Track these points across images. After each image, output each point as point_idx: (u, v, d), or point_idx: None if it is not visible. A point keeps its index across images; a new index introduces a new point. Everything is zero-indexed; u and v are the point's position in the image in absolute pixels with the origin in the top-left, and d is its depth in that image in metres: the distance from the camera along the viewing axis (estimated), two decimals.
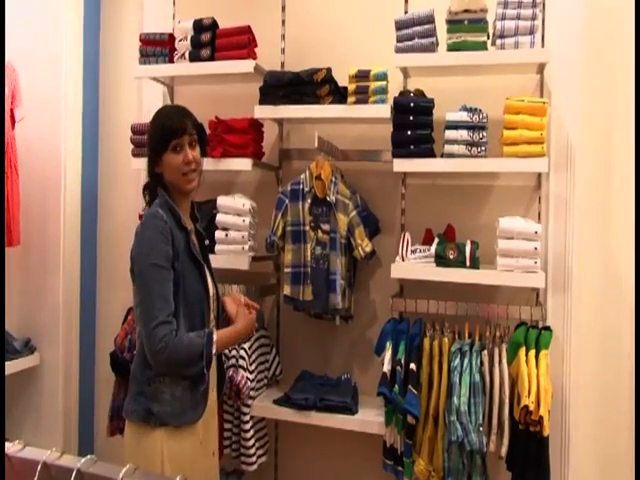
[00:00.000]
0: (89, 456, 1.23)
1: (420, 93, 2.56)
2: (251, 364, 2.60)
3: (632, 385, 2.53)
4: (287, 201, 2.64)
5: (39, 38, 2.99)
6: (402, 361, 2.42)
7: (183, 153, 1.88)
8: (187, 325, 1.81)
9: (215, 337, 1.78)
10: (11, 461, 1.27)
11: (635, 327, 2.33)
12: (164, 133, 1.88)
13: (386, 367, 2.42)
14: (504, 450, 2.29)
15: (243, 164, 2.67)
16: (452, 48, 2.44)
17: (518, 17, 2.37)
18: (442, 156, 2.47)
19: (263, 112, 2.67)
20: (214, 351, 1.78)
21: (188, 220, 1.97)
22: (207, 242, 2.06)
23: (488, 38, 2.45)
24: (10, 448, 1.29)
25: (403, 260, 2.52)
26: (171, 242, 1.80)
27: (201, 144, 1.99)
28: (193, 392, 1.83)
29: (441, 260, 2.44)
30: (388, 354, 2.45)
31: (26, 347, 2.97)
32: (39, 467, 1.22)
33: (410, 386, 2.36)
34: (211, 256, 2.61)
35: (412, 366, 2.40)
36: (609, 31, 2.56)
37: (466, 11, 2.40)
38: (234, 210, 2.68)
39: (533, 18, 2.36)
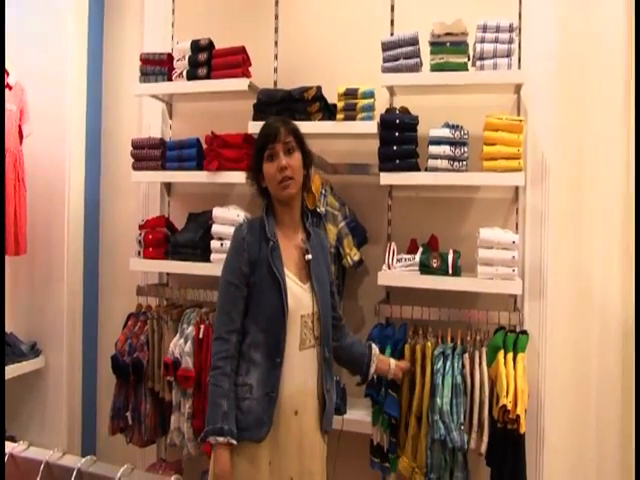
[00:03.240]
0: (89, 456, 1.31)
1: (405, 110, 2.62)
2: None
3: (600, 385, 2.64)
4: None
5: (46, 59, 3.07)
6: None
7: (277, 160, 1.84)
8: (263, 337, 1.80)
9: (218, 452, 1.73)
10: (16, 460, 1.36)
11: (635, 327, 2.38)
12: (258, 144, 1.88)
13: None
14: (484, 447, 2.31)
15: (238, 177, 2.71)
16: (435, 68, 2.51)
17: (496, 40, 2.44)
18: (426, 170, 2.52)
19: (256, 128, 2.64)
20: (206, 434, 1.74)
21: (294, 232, 1.93)
22: (309, 257, 1.90)
23: (469, 59, 2.52)
24: (15, 448, 1.38)
25: (389, 268, 2.58)
26: (247, 258, 1.81)
27: (302, 150, 1.92)
28: (257, 409, 1.78)
29: (425, 268, 2.50)
30: None
31: (32, 350, 3.05)
32: (42, 466, 1.30)
33: (390, 390, 2.41)
34: (207, 265, 2.70)
35: None
36: (581, 54, 2.64)
37: (448, 34, 2.47)
38: (229, 221, 2.72)
39: (510, 42, 2.44)
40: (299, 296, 1.86)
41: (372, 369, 2.13)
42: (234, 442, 1.74)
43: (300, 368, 1.86)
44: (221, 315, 1.85)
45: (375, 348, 2.19)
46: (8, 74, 2.84)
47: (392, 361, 2.18)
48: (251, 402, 1.78)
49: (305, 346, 1.87)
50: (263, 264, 1.81)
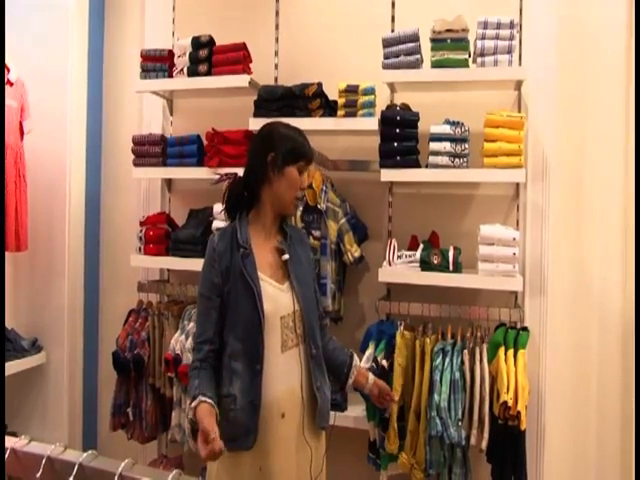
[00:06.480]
0: (90, 451, 1.30)
1: (406, 107, 2.64)
2: None
3: (601, 381, 2.65)
4: None
5: (47, 56, 3.08)
6: (378, 359, 2.48)
7: (301, 178, 1.89)
8: (241, 346, 1.80)
9: (197, 411, 1.68)
10: (17, 455, 1.35)
11: (635, 328, 2.39)
12: (301, 150, 1.89)
13: (363, 364, 2.45)
14: (484, 444, 2.32)
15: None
16: (436, 65, 2.52)
17: (497, 37, 2.45)
18: (427, 166, 2.53)
19: (257, 124, 2.65)
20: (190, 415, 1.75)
21: (270, 234, 1.92)
22: (286, 257, 1.88)
23: (469, 56, 2.53)
24: (17, 443, 1.37)
25: (390, 265, 2.58)
26: (217, 268, 1.83)
27: None
28: (243, 418, 1.78)
29: (426, 265, 2.50)
30: (367, 352, 2.53)
31: (33, 346, 3.05)
32: (44, 461, 1.28)
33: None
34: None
35: (384, 362, 2.45)
36: (582, 50, 2.66)
37: (449, 31, 2.48)
38: None
39: (511, 38, 2.45)
40: (276, 298, 1.84)
41: (351, 380, 2.10)
42: (210, 401, 1.72)
43: (284, 370, 1.84)
44: (197, 327, 1.89)
45: (356, 359, 2.11)
46: (9, 70, 2.84)
47: (371, 376, 2.13)
48: (236, 413, 1.78)
49: (288, 347, 1.85)
50: (236, 271, 1.81)
